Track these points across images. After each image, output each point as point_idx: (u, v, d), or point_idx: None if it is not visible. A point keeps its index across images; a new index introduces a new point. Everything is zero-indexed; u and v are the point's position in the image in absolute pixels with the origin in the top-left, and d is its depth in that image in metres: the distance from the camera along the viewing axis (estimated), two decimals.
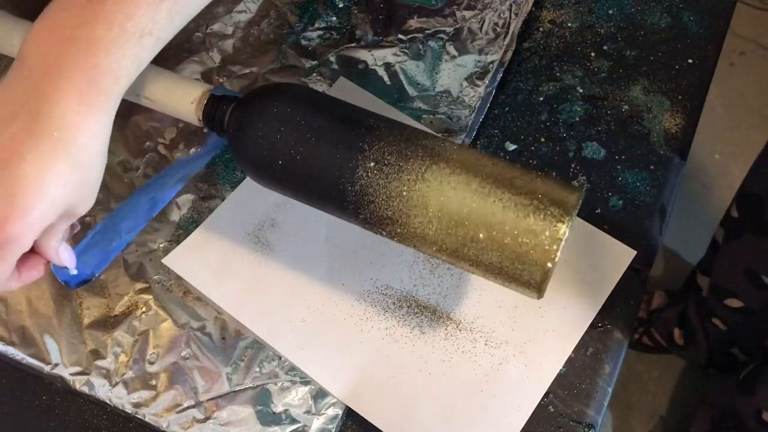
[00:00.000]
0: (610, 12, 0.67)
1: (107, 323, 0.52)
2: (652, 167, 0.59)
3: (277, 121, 0.43)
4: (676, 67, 0.64)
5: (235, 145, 0.45)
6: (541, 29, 0.66)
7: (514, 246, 0.39)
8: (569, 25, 0.67)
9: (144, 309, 0.52)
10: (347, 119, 0.43)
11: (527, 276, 0.39)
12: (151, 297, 0.53)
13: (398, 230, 0.42)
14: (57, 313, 0.52)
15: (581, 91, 0.63)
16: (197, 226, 0.55)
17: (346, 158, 0.41)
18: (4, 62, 0.59)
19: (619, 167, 0.59)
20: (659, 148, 0.60)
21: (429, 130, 0.55)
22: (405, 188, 0.41)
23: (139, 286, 0.53)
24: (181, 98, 0.45)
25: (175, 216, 0.56)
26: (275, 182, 0.44)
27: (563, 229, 0.38)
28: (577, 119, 0.61)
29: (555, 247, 0.38)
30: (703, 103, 0.62)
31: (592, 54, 0.65)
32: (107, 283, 0.53)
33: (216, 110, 0.45)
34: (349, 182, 0.42)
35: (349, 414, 0.50)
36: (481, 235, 0.39)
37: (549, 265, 0.39)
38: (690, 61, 0.64)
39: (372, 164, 0.41)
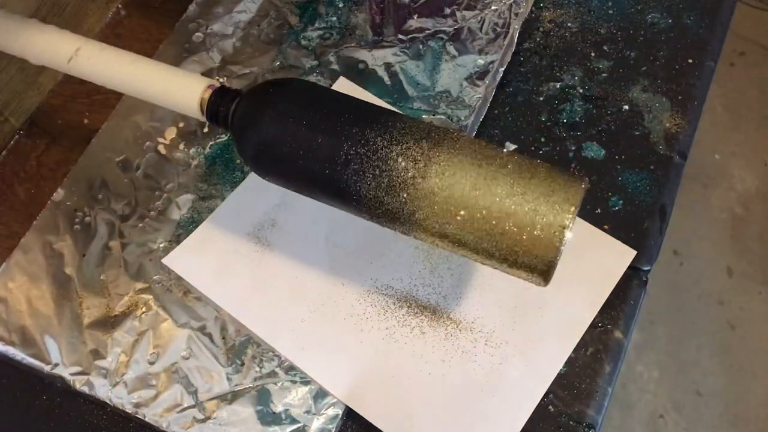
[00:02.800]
0: (610, 12, 0.67)
1: (107, 323, 0.52)
2: (652, 167, 0.59)
3: (284, 114, 0.43)
4: (676, 67, 0.64)
5: (239, 139, 0.44)
6: (541, 29, 0.66)
7: (521, 232, 0.39)
8: (569, 25, 0.67)
9: (144, 309, 0.52)
10: (355, 110, 0.43)
11: (534, 262, 0.39)
12: (151, 297, 0.53)
13: (405, 216, 0.42)
14: (57, 313, 0.52)
15: (581, 91, 0.63)
16: (197, 226, 0.55)
17: (357, 147, 0.41)
18: (4, 61, 0.59)
19: (619, 167, 0.59)
20: (659, 148, 0.60)
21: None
22: (415, 172, 0.41)
23: (139, 286, 0.53)
24: (185, 92, 0.45)
25: (175, 216, 0.56)
26: (281, 176, 0.44)
27: (570, 215, 0.39)
28: (577, 119, 0.61)
29: (562, 233, 0.38)
30: (704, 103, 0.62)
31: (593, 54, 0.65)
32: (107, 283, 0.53)
33: (220, 104, 0.45)
34: (357, 170, 0.41)
35: (349, 414, 0.50)
36: (487, 221, 0.39)
37: (556, 251, 0.39)
38: (690, 61, 0.64)
39: (382, 152, 0.41)
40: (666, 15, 0.67)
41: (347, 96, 0.45)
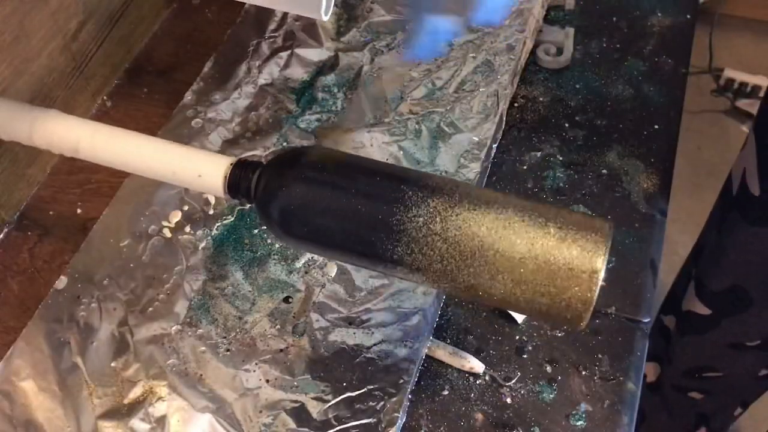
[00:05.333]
0: (577, 86, 0.73)
1: (121, 412, 0.51)
2: (636, 225, 0.62)
3: (311, 181, 0.43)
4: (645, 132, 0.69)
5: (264, 210, 0.45)
6: (515, 104, 0.71)
7: (557, 274, 0.40)
8: (541, 99, 0.72)
9: (159, 395, 0.51)
10: (380, 168, 0.44)
11: (571, 305, 0.40)
12: (165, 382, 0.52)
13: (440, 267, 0.42)
14: (65, 404, 0.51)
15: (561, 158, 0.67)
16: (208, 310, 0.54)
17: (389, 202, 0.42)
18: None
19: None
20: (641, 206, 0.64)
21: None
22: (450, 222, 0.41)
23: (153, 371, 0.52)
24: (206, 171, 0.46)
25: (186, 299, 0.55)
26: (310, 242, 0.45)
27: (603, 254, 0.40)
28: (561, 184, 0.65)
29: (596, 275, 0.39)
30: (674, 164, 0.67)
31: (566, 124, 0.70)
32: (118, 370, 0.52)
33: (241, 178, 0.45)
34: (393, 228, 0.42)
35: None
36: (522, 268, 0.40)
37: (592, 292, 0.39)
38: (656, 126, 0.69)
39: (416, 206, 0.42)
40: (628, 87, 0.72)
41: (373, 160, 0.46)
